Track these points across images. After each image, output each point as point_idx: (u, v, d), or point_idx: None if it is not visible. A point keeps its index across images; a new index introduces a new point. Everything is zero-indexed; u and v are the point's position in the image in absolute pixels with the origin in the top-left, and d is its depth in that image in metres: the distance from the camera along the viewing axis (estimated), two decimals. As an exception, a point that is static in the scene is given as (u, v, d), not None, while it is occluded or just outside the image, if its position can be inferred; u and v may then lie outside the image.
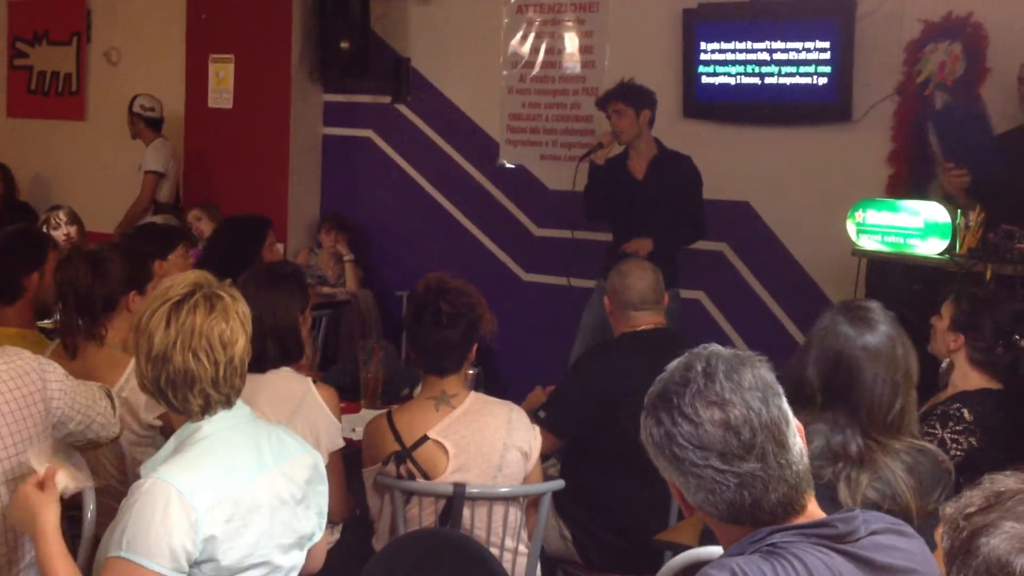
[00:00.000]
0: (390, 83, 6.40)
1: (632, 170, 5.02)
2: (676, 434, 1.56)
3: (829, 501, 2.06)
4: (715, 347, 1.64)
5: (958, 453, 2.87)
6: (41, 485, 2.13)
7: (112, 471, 2.98)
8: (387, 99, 6.45)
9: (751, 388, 1.57)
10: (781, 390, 1.61)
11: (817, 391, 2.29)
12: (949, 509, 1.23)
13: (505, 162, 6.15)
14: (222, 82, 6.59)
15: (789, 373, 2.25)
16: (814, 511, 1.61)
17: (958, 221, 4.04)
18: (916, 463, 2.25)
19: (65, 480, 2.20)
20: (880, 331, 2.30)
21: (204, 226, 5.84)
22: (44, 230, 4.77)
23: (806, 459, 1.60)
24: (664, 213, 4.93)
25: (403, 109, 6.44)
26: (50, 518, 2.07)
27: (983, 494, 1.21)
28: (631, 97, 4.94)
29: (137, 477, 2.07)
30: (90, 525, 2.52)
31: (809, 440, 1.75)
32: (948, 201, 4.25)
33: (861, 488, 2.18)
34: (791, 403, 1.62)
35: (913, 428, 2.31)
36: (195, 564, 1.99)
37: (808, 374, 2.30)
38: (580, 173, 5.23)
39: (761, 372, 1.60)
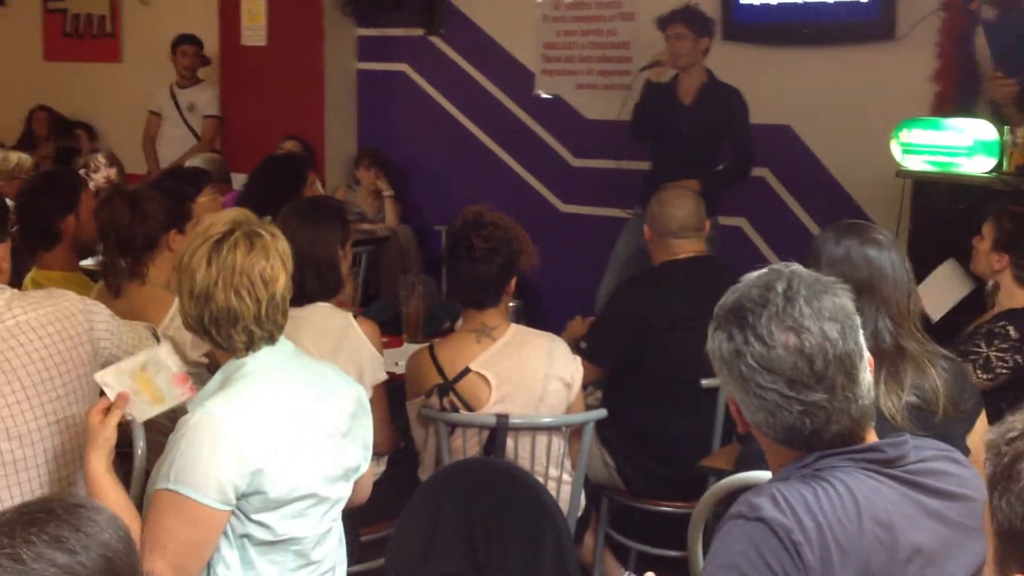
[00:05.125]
0: (423, 15, 6.33)
1: (680, 96, 4.96)
2: (747, 353, 1.52)
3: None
4: (797, 267, 1.59)
5: (1004, 371, 2.85)
6: (107, 410, 2.12)
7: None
8: (421, 32, 6.38)
9: (831, 318, 1.52)
10: (859, 321, 1.56)
11: None
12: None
13: (541, 92, 6.08)
14: (255, 19, 6.55)
15: None
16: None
17: (1005, 138, 3.95)
18: (950, 366, 2.23)
19: (142, 407, 2.21)
20: (877, 230, 2.31)
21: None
22: (84, 174, 4.80)
23: (872, 393, 1.57)
24: (707, 143, 4.89)
25: (437, 41, 6.37)
26: (96, 457, 2.07)
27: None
28: (695, 22, 4.88)
29: (184, 412, 2.10)
30: (140, 461, 2.56)
31: None
32: (995, 116, 4.15)
33: (906, 384, 2.14)
34: None
35: (916, 323, 2.27)
36: (243, 496, 2.03)
37: None
38: (613, 101, 5.16)
39: (842, 301, 1.55)
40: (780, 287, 1.54)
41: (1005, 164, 3.95)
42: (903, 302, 2.24)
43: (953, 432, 2.13)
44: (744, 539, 1.48)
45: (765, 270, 1.59)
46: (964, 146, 4.03)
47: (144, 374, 2.21)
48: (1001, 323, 2.91)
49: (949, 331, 3.08)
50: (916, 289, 2.30)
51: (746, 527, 1.49)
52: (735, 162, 4.96)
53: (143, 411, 2.23)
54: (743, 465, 2.44)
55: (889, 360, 2.18)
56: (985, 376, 2.83)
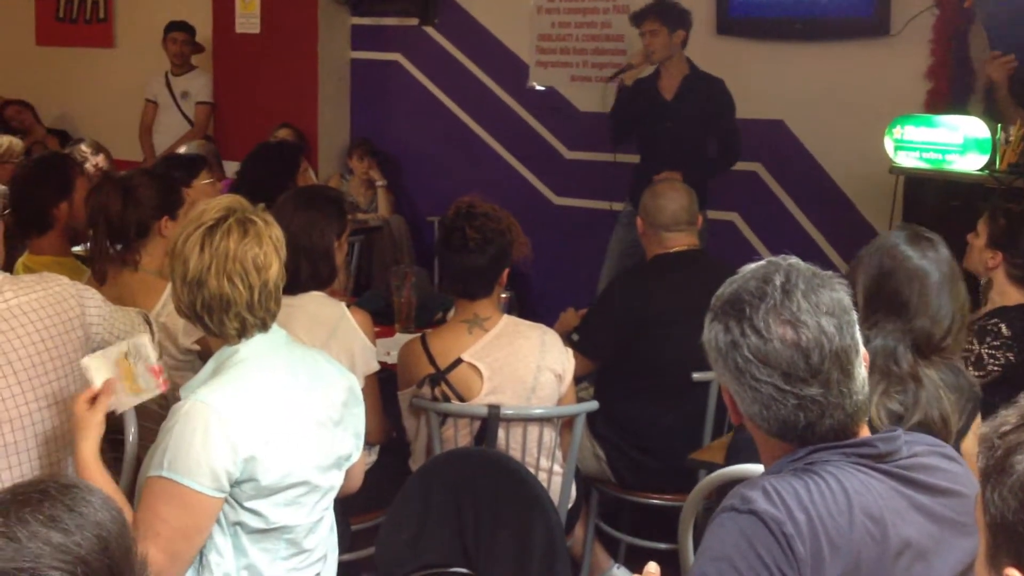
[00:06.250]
0: (418, 5, 6.31)
1: (662, 90, 4.95)
2: (743, 345, 1.52)
3: None
4: (795, 260, 1.58)
5: (995, 368, 2.85)
6: (94, 399, 2.13)
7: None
8: (415, 21, 6.37)
9: (828, 312, 1.52)
10: (855, 316, 1.56)
11: (862, 299, 2.20)
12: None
13: (535, 84, 6.07)
14: (249, 7, 6.53)
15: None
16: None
17: (998, 136, 3.97)
18: (955, 382, 2.21)
19: (123, 397, 2.21)
20: (942, 254, 2.24)
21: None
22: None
23: (867, 389, 1.57)
24: (693, 135, 4.88)
25: (431, 31, 6.36)
26: (86, 445, 2.08)
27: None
28: (666, 16, 4.85)
29: (176, 400, 2.10)
30: (132, 448, 2.56)
31: None
32: (988, 114, 4.16)
33: (913, 410, 2.13)
34: None
35: (956, 361, 2.25)
36: (236, 483, 2.03)
37: (856, 283, 2.22)
38: (608, 94, 5.17)
39: (839, 295, 1.55)
40: (778, 280, 1.54)
41: (998, 162, 3.96)
42: (936, 336, 2.18)
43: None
44: (736, 531, 1.48)
45: (763, 262, 1.58)
46: (957, 143, 4.04)
47: (126, 362, 2.21)
48: (993, 320, 2.92)
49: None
50: (964, 322, 2.23)
51: (738, 520, 1.49)
52: (721, 150, 4.93)
53: (123, 402, 2.23)
54: (734, 452, 2.44)
55: (897, 382, 2.15)
56: (977, 373, 2.83)
